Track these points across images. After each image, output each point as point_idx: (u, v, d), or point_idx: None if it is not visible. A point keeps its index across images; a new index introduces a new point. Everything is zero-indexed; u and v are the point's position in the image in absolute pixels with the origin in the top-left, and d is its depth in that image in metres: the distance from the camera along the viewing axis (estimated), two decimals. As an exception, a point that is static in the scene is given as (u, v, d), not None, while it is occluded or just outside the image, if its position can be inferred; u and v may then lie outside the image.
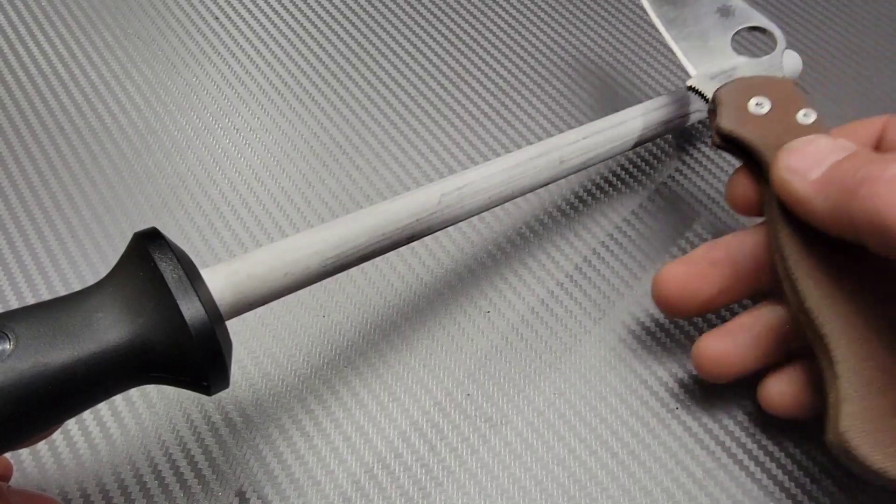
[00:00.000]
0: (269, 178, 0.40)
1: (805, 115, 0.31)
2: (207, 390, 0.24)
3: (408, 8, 0.48)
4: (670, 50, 0.37)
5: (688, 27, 0.36)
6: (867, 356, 0.26)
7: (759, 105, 0.32)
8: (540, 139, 0.36)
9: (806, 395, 0.30)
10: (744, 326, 0.31)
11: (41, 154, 0.41)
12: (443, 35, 0.47)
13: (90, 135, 0.42)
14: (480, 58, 0.46)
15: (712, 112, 0.33)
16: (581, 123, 0.37)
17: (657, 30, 0.38)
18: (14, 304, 0.35)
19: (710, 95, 0.34)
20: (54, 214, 0.38)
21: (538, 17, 0.48)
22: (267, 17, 0.48)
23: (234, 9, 0.48)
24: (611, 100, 0.44)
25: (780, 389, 0.30)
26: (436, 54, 0.46)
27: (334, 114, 0.43)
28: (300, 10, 0.48)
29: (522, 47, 0.47)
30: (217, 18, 0.48)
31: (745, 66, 0.34)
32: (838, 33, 0.47)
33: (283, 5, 0.48)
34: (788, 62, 0.44)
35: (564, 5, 0.49)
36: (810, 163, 0.27)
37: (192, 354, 0.22)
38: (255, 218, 0.39)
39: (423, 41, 0.47)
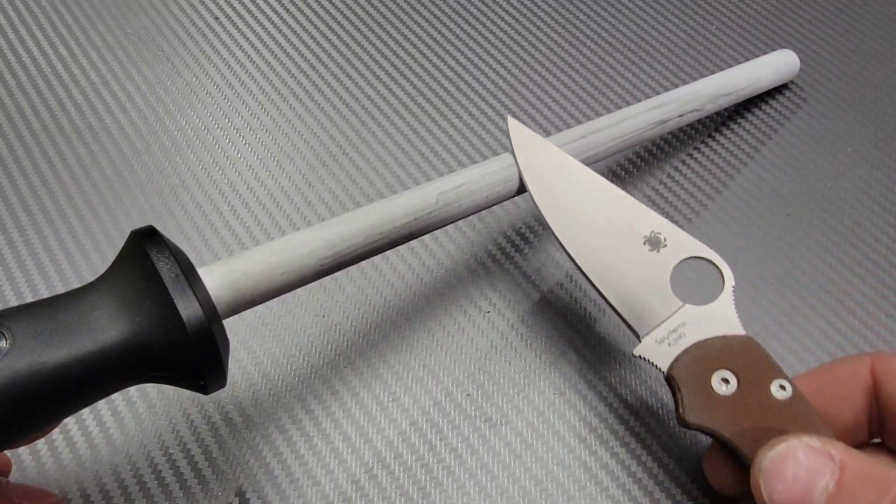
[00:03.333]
0: (269, 178, 0.40)
1: (780, 387, 0.27)
2: (204, 389, 0.24)
3: (408, 8, 0.48)
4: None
5: (619, 275, 0.31)
6: None
7: (725, 382, 0.28)
8: (539, 139, 0.36)
9: None
10: None
11: (41, 154, 0.41)
12: (443, 35, 0.47)
13: (90, 135, 0.42)
14: (480, 58, 0.46)
15: (669, 383, 0.29)
16: (579, 123, 0.37)
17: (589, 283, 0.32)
18: (13, 304, 0.35)
19: (664, 366, 0.29)
20: (54, 214, 0.38)
21: (538, 17, 0.48)
22: (267, 17, 0.48)
23: (234, 9, 0.48)
24: (609, 99, 0.44)
25: None
26: (436, 54, 0.46)
27: (334, 114, 0.43)
28: (300, 10, 0.48)
29: (522, 47, 0.47)
30: (217, 18, 0.48)
31: (693, 319, 0.29)
32: (838, 33, 0.47)
33: (283, 5, 0.49)
34: (786, 63, 0.44)
35: (564, 5, 0.49)
36: (798, 495, 0.24)
37: (188, 353, 0.22)
38: (255, 218, 0.39)
39: (423, 41, 0.47)
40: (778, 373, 0.27)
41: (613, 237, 0.31)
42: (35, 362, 0.21)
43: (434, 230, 0.32)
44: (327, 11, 0.48)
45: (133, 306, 0.22)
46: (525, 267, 0.37)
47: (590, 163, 0.36)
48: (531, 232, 0.38)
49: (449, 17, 0.48)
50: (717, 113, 0.43)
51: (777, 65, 0.43)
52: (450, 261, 0.38)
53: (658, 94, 0.44)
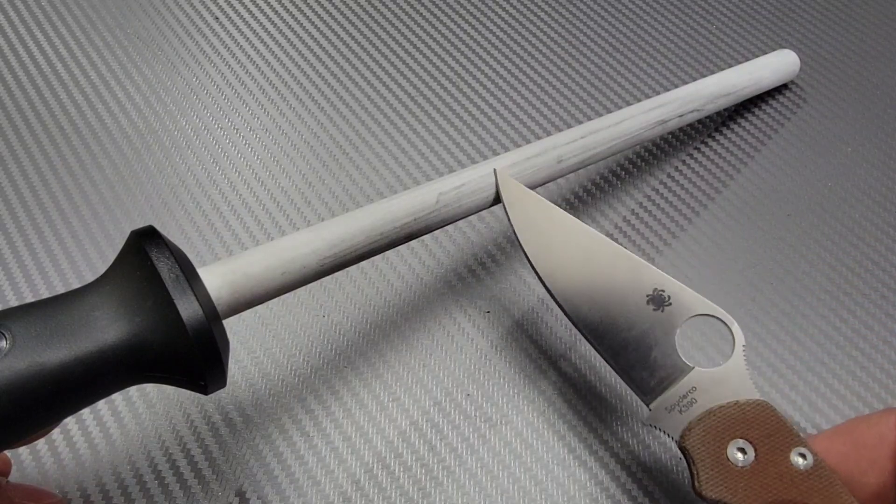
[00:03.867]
0: (269, 178, 0.40)
1: (800, 455, 0.26)
2: (204, 389, 0.24)
3: (408, 8, 0.48)
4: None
5: (623, 338, 0.29)
6: None
7: (742, 451, 0.26)
8: (539, 139, 0.36)
9: None
10: None
11: (41, 154, 0.41)
12: (443, 35, 0.47)
13: (90, 135, 0.42)
14: (480, 58, 0.46)
15: (682, 451, 0.28)
16: (580, 123, 0.37)
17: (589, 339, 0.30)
18: (13, 304, 0.35)
19: (675, 435, 0.28)
20: (54, 214, 0.38)
21: (538, 17, 0.48)
22: (267, 17, 0.48)
23: (234, 9, 0.48)
24: (609, 99, 0.44)
25: None
26: (436, 54, 0.46)
27: (334, 114, 0.43)
28: (300, 10, 0.48)
29: (522, 47, 0.47)
30: (217, 18, 0.48)
31: (704, 384, 0.28)
32: (838, 33, 0.47)
33: (283, 5, 0.49)
34: (786, 63, 0.44)
35: (564, 5, 0.49)
36: None
37: (188, 353, 0.22)
38: (255, 218, 0.39)
39: (423, 41, 0.47)
40: (797, 440, 0.26)
41: (614, 297, 0.30)
42: (35, 362, 0.21)
43: (434, 230, 0.32)
44: (327, 11, 0.48)
45: (133, 306, 0.22)
46: (525, 267, 0.37)
47: (590, 163, 0.36)
48: (531, 232, 0.38)
49: (449, 17, 0.48)
50: (717, 113, 0.43)
51: (777, 65, 0.43)
52: (450, 261, 0.38)
53: (658, 94, 0.44)
